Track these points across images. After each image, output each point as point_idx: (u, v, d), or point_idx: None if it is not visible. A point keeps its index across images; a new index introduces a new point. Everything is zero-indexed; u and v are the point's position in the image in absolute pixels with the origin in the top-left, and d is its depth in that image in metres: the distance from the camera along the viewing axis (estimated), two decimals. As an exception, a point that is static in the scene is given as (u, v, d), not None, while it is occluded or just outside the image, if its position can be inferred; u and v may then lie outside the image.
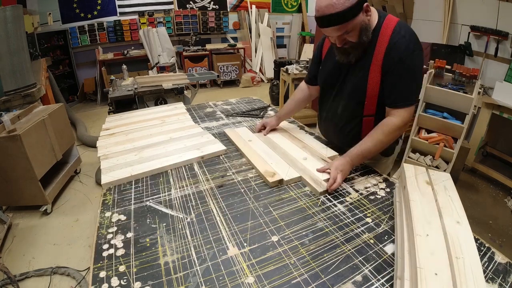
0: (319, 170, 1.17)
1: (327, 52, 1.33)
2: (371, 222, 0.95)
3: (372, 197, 1.08)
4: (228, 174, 1.25)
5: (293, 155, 1.33)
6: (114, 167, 1.27)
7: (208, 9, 6.24)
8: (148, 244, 0.88)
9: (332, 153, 1.35)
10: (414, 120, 2.88)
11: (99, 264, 0.80)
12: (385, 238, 0.88)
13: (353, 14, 1.02)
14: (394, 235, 0.88)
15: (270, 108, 2.07)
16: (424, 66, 3.02)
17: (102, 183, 1.16)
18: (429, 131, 2.85)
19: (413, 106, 1.14)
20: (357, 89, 1.21)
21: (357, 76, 1.20)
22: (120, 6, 5.56)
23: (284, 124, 1.68)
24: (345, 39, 1.10)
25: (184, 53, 5.78)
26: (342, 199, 1.07)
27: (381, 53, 1.11)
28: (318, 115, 1.54)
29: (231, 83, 6.34)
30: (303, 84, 1.57)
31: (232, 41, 6.54)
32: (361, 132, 1.27)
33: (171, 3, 5.93)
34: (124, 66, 3.44)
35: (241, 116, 1.93)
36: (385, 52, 1.10)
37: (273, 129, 1.60)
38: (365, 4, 1.04)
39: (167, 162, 1.29)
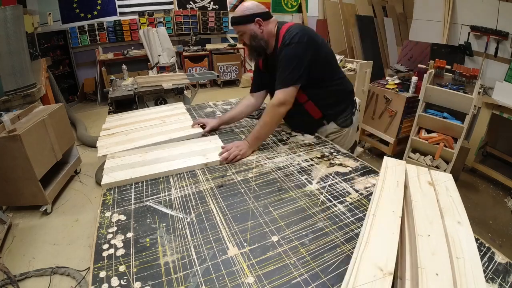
0: (221, 152, 1.36)
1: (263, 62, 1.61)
2: (371, 222, 0.95)
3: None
4: (228, 174, 1.25)
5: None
6: (116, 167, 1.26)
7: (208, 9, 6.24)
8: (148, 244, 0.87)
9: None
10: (414, 120, 2.88)
11: (99, 264, 0.80)
12: (385, 238, 0.88)
13: (245, 22, 1.41)
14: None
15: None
16: (424, 66, 3.03)
17: (102, 183, 1.17)
18: (429, 131, 2.85)
19: (288, 88, 1.36)
20: (263, 85, 1.63)
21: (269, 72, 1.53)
22: (120, 6, 5.56)
23: None
24: (242, 40, 1.47)
25: (184, 53, 5.78)
26: (342, 199, 1.07)
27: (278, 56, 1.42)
28: None
29: (231, 83, 6.34)
30: (248, 95, 1.78)
31: (232, 41, 6.54)
32: (310, 115, 1.57)
33: (171, 3, 5.94)
34: (124, 66, 3.44)
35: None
36: (279, 55, 1.41)
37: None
38: (257, 19, 1.40)
39: (170, 167, 1.26)
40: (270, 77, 1.53)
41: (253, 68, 1.86)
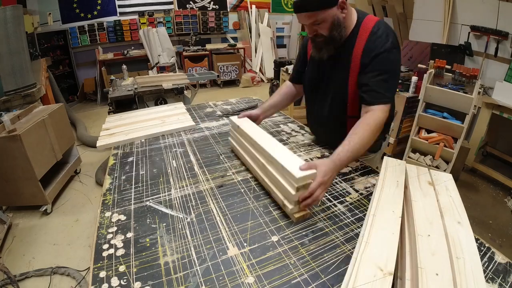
0: (302, 168, 0.93)
1: (311, 53, 1.30)
2: (371, 222, 0.95)
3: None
4: (228, 174, 1.25)
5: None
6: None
7: (208, 9, 6.24)
8: (148, 244, 0.87)
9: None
10: (414, 120, 2.88)
11: (99, 264, 0.80)
12: (385, 238, 0.88)
13: (326, 4, 1.03)
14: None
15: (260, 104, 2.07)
16: (424, 66, 3.02)
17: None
18: (429, 131, 2.85)
19: (389, 104, 1.10)
20: (339, 90, 1.21)
21: (339, 77, 1.20)
22: (120, 6, 5.56)
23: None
24: (316, 30, 1.10)
25: (184, 53, 5.78)
26: (342, 199, 1.07)
27: (359, 54, 1.11)
28: (306, 115, 1.53)
29: (231, 83, 6.34)
30: (288, 82, 1.55)
31: (232, 41, 6.54)
32: (344, 131, 1.18)
33: (171, 3, 5.93)
34: (124, 66, 3.44)
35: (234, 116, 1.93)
36: (363, 52, 1.10)
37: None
38: (341, 1, 1.04)
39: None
40: (318, 70, 1.28)
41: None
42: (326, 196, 1.09)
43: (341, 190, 1.12)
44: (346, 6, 1.08)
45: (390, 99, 1.10)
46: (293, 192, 0.91)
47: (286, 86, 1.54)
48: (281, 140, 1.55)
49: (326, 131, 1.38)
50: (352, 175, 1.22)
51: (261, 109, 1.46)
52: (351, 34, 1.13)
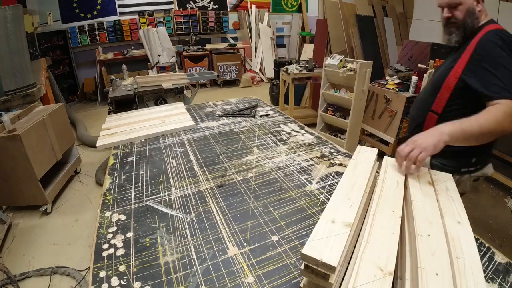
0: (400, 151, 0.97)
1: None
2: (371, 222, 0.95)
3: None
4: (228, 174, 1.25)
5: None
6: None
7: (208, 9, 6.24)
8: (148, 244, 0.87)
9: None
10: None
11: (99, 264, 0.80)
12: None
13: None
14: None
15: (261, 105, 2.07)
16: (424, 66, 3.02)
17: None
18: (429, 131, 2.85)
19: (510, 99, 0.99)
20: (438, 80, 1.21)
21: (445, 65, 1.22)
22: (120, 6, 5.56)
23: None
24: (453, 13, 1.16)
25: (184, 53, 5.78)
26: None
27: (471, 48, 1.11)
28: None
29: (231, 83, 6.34)
30: None
31: (232, 41, 6.54)
32: (423, 127, 1.22)
33: (171, 3, 5.93)
34: (124, 66, 3.44)
35: (233, 116, 1.94)
36: (475, 47, 1.10)
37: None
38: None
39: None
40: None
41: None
42: (326, 196, 1.09)
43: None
44: (480, 2, 1.14)
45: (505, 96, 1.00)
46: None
47: None
48: (280, 140, 1.56)
49: (410, 117, 1.36)
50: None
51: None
52: (473, 32, 1.15)
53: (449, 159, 1.20)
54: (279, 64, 4.80)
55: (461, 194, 0.94)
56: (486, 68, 1.05)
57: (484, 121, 0.97)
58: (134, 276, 0.76)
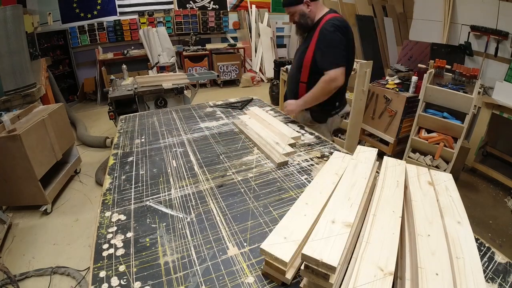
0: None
1: None
2: (371, 222, 0.95)
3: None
4: (228, 174, 1.25)
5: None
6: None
7: (208, 8, 6.23)
8: (148, 244, 0.87)
9: (296, 134, 1.55)
10: (414, 120, 2.88)
11: (99, 264, 0.80)
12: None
13: (295, 3, 1.65)
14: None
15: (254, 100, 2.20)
16: (424, 66, 3.03)
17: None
18: (429, 131, 2.85)
19: (338, 68, 1.56)
20: (300, 59, 1.73)
21: (303, 50, 1.72)
22: (120, 6, 5.56)
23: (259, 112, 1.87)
24: (293, 18, 1.71)
25: (184, 53, 5.78)
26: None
27: (316, 35, 1.62)
28: None
29: (231, 83, 6.34)
30: None
31: (232, 41, 6.54)
32: (298, 94, 1.77)
33: (171, 2, 5.93)
34: (124, 66, 3.44)
35: (223, 108, 2.07)
36: (318, 34, 1.61)
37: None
38: (305, 0, 1.62)
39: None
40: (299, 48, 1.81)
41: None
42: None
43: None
44: (310, 4, 1.63)
45: (336, 65, 1.56)
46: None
47: None
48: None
49: (288, 90, 1.89)
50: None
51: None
52: (317, 23, 1.66)
53: (323, 107, 1.73)
54: (279, 64, 4.80)
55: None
56: (321, 49, 1.59)
57: (315, 90, 1.63)
58: (134, 276, 0.76)
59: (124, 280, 0.75)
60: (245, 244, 0.87)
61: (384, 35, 4.84)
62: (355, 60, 2.97)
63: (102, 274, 0.77)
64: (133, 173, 1.27)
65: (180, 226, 0.95)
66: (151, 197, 1.10)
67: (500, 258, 0.80)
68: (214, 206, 1.04)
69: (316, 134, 1.63)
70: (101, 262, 0.81)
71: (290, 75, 1.85)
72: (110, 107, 2.97)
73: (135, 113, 2.07)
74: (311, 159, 1.35)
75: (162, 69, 3.74)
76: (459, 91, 2.53)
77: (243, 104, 2.10)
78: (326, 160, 1.33)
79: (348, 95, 3.04)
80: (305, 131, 1.68)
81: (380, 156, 1.12)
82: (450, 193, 0.91)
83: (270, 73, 6.36)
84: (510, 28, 3.17)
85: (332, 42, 1.55)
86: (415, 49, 3.70)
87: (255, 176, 1.22)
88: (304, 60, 1.67)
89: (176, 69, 4.12)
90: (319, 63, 1.60)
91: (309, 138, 1.58)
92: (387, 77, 3.34)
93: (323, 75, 1.58)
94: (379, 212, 0.82)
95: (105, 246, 0.87)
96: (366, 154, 1.14)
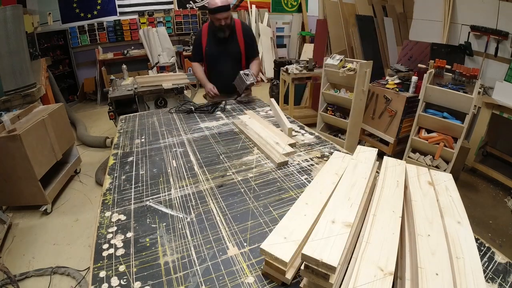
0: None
1: (206, 38, 2.29)
2: (371, 222, 0.95)
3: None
4: (228, 174, 1.25)
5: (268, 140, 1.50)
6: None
7: (208, 9, 6.23)
8: (148, 244, 0.87)
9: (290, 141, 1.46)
10: (414, 120, 2.88)
11: (99, 264, 0.80)
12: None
13: (229, 8, 2.14)
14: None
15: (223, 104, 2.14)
16: (424, 66, 3.03)
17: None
18: (429, 131, 2.85)
19: (259, 57, 2.41)
20: (237, 54, 2.29)
21: (234, 46, 2.26)
22: (120, 6, 5.56)
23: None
24: (226, 21, 2.11)
25: (184, 53, 5.78)
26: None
27: (240, 33, 2.25)
28: (207, 78, 2.38)
29: (231, 83, 6.33)
30: (196, 63, 2.45)
31: (232, 41, 6.53)
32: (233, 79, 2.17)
33: (171, 3, 5.93)
34: (124, 66, 3.44)
35: (193, 113, 2.00)
36: (242, 32, 2.25)
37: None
38: (231, 6, 1.88)
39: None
40: (217, 49, 2.27)
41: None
42: (326, 196, 1.08)
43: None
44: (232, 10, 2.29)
45: (258, 54, 2.46)
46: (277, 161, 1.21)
47: (199, 65, 2.44)
48: (281, 140, 1.56)
49: (231, 81, 2.15)
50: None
51: (208, 82, 2.36)
52: (233, 25, 2.21)
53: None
54: (279, 64, 4.79)
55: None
56: (251, 42, 2.34)
57: (257, 68, 2.40)
58: (134, 276, 0.76)
59: (124, 280, 0.75)
60: (245, 244, 0.87)
61: (384, 35, 4.84)
62: (355, 60, 2.98)
63: (102, 274, 0.77)
64: (133, 173, 1.27)
65: (180, 226, 0.95)
66: (151, 197, 1.10)
67: (500, 258, 0.80)
68: (214, 206, 1.04)
69: (316, 134, 1.63)
70: (101, 262, 0.81)
71: (229, 70, 2.24)
72: (110, 107, 2.97)
73: (135, 113, 2.07)
74: (311, 159, 1.35)
75: (162, 69, 3.74)
76: (459, 91, 2.53)
77: (213, 108, 2.03)
78: (326, 160, 1.33)
79: (348, 95, 3.04)
80: (305, 131, 1.68)
81: (380, 156, 1.12)
82: (450, 193, 0.91)
83: (270, 73, 6.35)
84: (510, 28, 3.17)
85: (253, 38, 2.36)
86: (415, 49, 3.69)
87: (255, 176, 1.22)
88: (242, 53, 2.29)
89: (176, 69, 4.12)
90: (250, 52, 2.33)
91: (309, 138, 1.58)
92: (387, 77, 3.34)
93: (254, 59, 2.39)
94: (379, 212, 0.82)
95: (105, 246, 0.87)
96: (366, 154, 1.14)
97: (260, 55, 6.57)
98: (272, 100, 2.00)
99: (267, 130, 1.58)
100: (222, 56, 2.26)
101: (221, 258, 0.82)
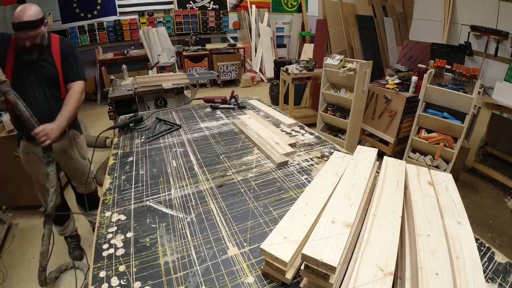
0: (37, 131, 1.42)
1: (14, 55, 1.58)
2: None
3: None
4: (228, 174, 1.25)
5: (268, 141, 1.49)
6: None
7: (208, 8, 6.23)
8: (148, 244, 0.87)
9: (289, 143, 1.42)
10: (414, 120, 2.88)
11: (99, 264, 0.80)
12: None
13: (40, 24, 1.53)
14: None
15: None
16: (424, 66, 3.03)
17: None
18: (429, 131, 2.85)
19: (82, 80, 1.74)
20: (51, 80, 1.65)
21: (47, 70, 1.63)
22: (120, 6, 5.56)
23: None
24: (34, 41, 1.53)
25: (184, 53, 5.78)
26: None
27: (57, 53, 1.64)
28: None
29: (231, 82, 6.34)
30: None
31: (232, 41, 6.53)
32: (55, 117, 1.59)
33: (171, 2, 5.93)
34: (124, 66, 3.44)
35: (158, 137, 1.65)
36: (60, 51, 1.65)
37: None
38: (45, 20, 1.57)
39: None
40: (21, 72, 1.61)
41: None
42: (326, 196, 1.08)
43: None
44: (46, 25, 1.58)
45: (82, 77, 1.75)
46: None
47: None
48: (281, 140, 1.56)
49: (45, 115, 1.55)
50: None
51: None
52: (48, 43, 1.62)
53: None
54: (279, 64, 4.80)
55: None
56: (70, 63, 1.69)
57: (74, 103, 1.65)
58: (134, 276, 0.76)
59: (124, 280, 0.75)
60: (245, 244, 0.87)
61: (384, 35, 4.84)
62: (355, 60, 2.98)
63: (102, 274, 0.77)
64: (133, 173, 1.27)
65: (180, 226, 0.95)
66: (151, 197, 1.10)
67: (500, 258, 0.80)
68: (214, 206, 1.04)
69: (316, 134, 1.63)
70: (101, 262, 0.81)
71: (43, 100, 1.63)
72: (110, 107, 2.97)
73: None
74: (311, 159, 1.35)
75: (162, 69, 3.74)
76: (459, 91, 2.53)
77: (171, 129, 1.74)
78: (326, 160, 1.33)
79: (348, 95, 3.04)
80: (305, 131, 1.68)
81: (380, 156, 1.12)
82: (450, 193, 0.91)
83: (270, 73, 6.36)
84: (510, 28, 3.17)
85: (77, 57, 1.74)
86: (415, 49, 3.70)
87: (255, 176, 1.22)
88: (60, 78, 1.66)
89: (176, 69, 4.12)
90: (69, 77, 1.68)
91: (309, 138, 1.58)
92: (387, 77, 3.34)
93: (73, 87, 1.67)
94: (379, 212, 0.82)
95: (105, 246, 0.87)
96: (366, 154, 1.14)
97: (260, 55, 6.58)
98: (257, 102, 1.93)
99: (267, 130, 1.58)
100: (30, 84, 1.62)
101: (221, 258, 0.82)
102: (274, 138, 1.49)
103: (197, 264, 0.80)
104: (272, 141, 1.46)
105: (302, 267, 0.68)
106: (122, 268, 0.79)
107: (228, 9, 6.41)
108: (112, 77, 3.12)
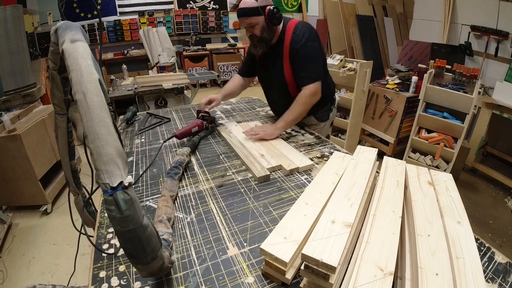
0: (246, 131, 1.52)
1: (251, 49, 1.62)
2: (371, 222, 0.95)
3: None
4: (228, 174, 1.25)
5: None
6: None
7: (208, 8, 6.23)
8: (148, 244, 0.87)
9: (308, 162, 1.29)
10: (414, 120, 2.89)
11: (99, 264, 0.80)
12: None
13: (256, 13, 1.42)
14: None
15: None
16: (424, 66, 3.03)
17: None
18: (429, 131, 2.85)
19: (317, 81, 1.48)
20: (279, 80, 1.59)
21: (276, 70, 1.58)
22: (120, 6, 5.56)
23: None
24: (252, 31, 1.47)
25: (184, 53, 5.78)
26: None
27: (287, 51, 1.49)
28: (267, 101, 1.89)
29: (231, 83, 6.34)
30: (238, 75, 1.91)
31: (232, 41, 6.53)
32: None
33: (171, 2, 5.93)
34: (124, 66, 3.44)
35: (148, 130, 1.73)
36: (289, 49, 1.48)
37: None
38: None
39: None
40: (261, 67, 1.69)
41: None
42: (326, 196, 1.08)
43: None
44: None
45: (314, 79, 1.48)
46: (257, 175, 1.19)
47: (237, 78, 1.90)
48: (281, 140, 1.56)
49: (283, 111, 1.59)
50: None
51: (221, 94, 1.82)
52: (280, 37, 1.51)
53: (324, 105, 1.69)
54: (279, 64, 4.79)
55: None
56: (299, 64, 1.49)
57: (299, 108, 1.51)
58: (134, 276, 0.76)
59: (124, 280, 0.75)
60: (245, 244, 0.87)
61: (384, 35, 4.84)
62: (355, 60, 2.98)
63: (102, 274, 0.77)
64: (133, 173, 1.27)
65: (180, 226, 0.95)
66: (151, 197, 1.10)
67: (500, 258, 0.80)
68: (214, 206, 1.04)
69: (316, 134, 1.63)
70: (101, 262, 0.81)
71: (277, 100, 1.71)
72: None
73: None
74: (311, 159, 1.35)
75: (162, 69, 3.75)
76: (459, 91, 2.53)
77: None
78: (326, 160, 1.33)
79: (348, 95, 3.04)
80: (305, 131, 1.68)
81: (380, 156, 1.12)
82: (450, 193, 0.91)
83: (270, 73, 6.35)
84: (510, 28, 3.17)
85: (309, 55, 1.46)
86: (415, 49, 3.70)
87: (255, 176, 1.22)
88: (286, 78, 1.55)
89: (176, 69, 4.12)
90: (298, 78, 1.52)
91: (309, 138, 1.58)
92: (387, 77, 3.34)
93: (302, 90, 1.49)
94: (379, 212, 0.82)
95: (105, 246, 0.87)
96: (366, 154, 1.14)
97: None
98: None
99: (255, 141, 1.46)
100: (268, 82, 1.73)
101: (221, 258, 0.82)
102: (260, 150, 1.38)
103: (197, 264, 0.80)
104: (256, 152, 1.35)
105: (302, 267, 0.68)
106: (122, 268, 0.79)
107: (228, 9, 6.41)
108: (112, 77, 3.13)
